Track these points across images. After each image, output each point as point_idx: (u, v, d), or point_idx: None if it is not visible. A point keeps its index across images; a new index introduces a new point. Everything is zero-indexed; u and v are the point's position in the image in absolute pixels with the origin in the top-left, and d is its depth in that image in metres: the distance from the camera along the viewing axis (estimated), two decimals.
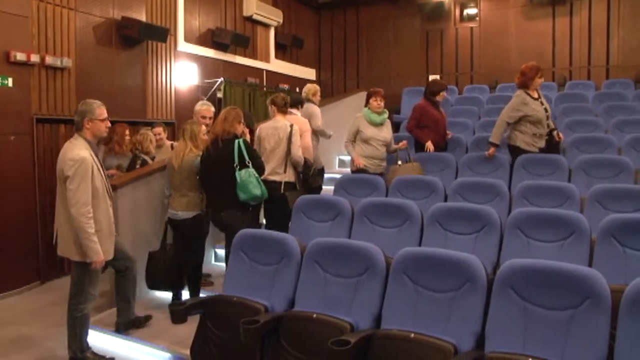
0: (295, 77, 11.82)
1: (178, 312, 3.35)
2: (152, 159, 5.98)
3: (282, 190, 5.20)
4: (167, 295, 5.11)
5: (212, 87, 9.16)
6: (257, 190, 4.50)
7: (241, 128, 4.71)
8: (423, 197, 4.96)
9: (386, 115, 6.05)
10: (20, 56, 5.99)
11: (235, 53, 10.02)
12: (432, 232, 4.06)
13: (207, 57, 9.30)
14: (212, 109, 5.65)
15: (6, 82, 5.94)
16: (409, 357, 2.71)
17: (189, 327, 3.49)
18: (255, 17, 10.44)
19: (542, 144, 5.66)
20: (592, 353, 2.46)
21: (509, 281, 2.73)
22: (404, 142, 6.25)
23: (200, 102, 5.83)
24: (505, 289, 2.73)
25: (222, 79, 9.20)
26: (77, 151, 3.77)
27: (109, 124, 4.13)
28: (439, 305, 2.91)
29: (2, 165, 5.63)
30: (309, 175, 5.43)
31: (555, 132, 5.86)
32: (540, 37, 10.73)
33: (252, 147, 4.84)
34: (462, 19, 11.65)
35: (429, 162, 5.99)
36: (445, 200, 4.93)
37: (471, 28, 11.49)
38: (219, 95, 9.17)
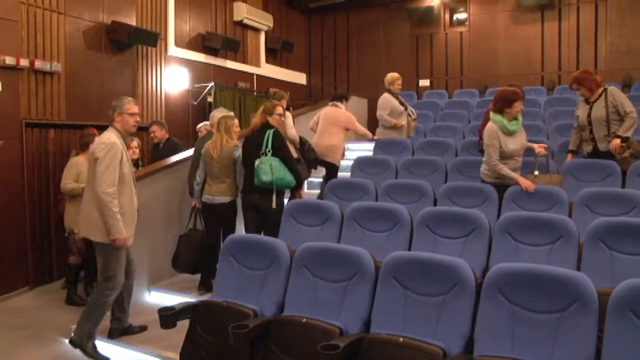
0: (286, 82, 11.83)
1: (167, 317, 3.33)
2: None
3: None
4: (160, 300, 5.12)
5: (203, 92, 9.15)
6: (265, 176, 4.79)
7: (277, 119, 5.12)
8: (412, 201, 4.98)
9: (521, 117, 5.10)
10: (9, 60, 5.95)
11: (225, 57, 10.02)
12: (422, 236, 4.07)
13: (197, 61, 9.29)
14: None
15: None
16: None
17: (182, 333, 3.48)
18: (245, 21, 10.45)
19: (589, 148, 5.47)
20: (579, 355, 2.47)
21: (498, 285, 2.75)
22: (543, 146, 5.31)
23: (218, 109, 6.07)
24: (494, 292, 2.75)
25: (212, 83, 9.19)
26: (109, 136, 4.11)
27: (138, 119, 4.38)
28: (428, 309, 2.92)
29: None
30: (304, 150, 6.21)
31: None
32: (530, 41, 10.80)
33: (281, 137, 5.11)
34: (452, 23, 11.71)
35: (419, 166, 6.00)
36: (435, 204, 4.95)
37: (461, 32, 11.55)
38: (210, 99, 9.16)
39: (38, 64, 6.34)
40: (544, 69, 10.76)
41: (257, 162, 4.84)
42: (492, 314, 2.73)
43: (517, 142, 4.92)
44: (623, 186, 5.01)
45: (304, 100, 12.08)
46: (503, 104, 4.84)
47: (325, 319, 3.04)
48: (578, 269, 3.41)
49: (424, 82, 11.76)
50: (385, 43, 12.22)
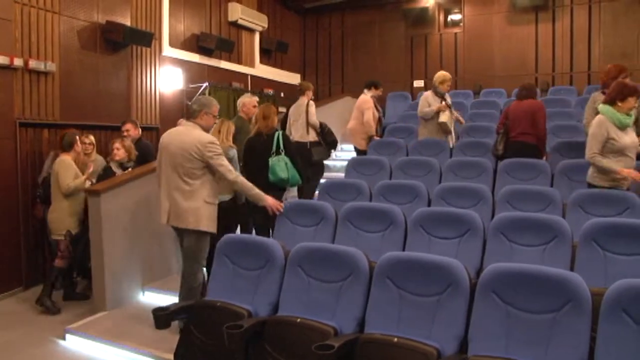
0: (280, 82, 11.83)
1: (161, 317, 3.34)
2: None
3: (308, 147, 6.71)
4: (154, 301, 5.13)
5: (197, 92, 9.13)
6: (283, 173, 5.07)
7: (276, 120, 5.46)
8: (407, 202, 4.98)
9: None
10: (3, 60, 5.92)
11: (220, 58, 10.01)
12: (416, 237, 4.08)
13: (192, 61, 9.27)
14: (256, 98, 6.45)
15: None
16: None
17: (177, 333, 3.48)
18: (240, 22, 10.43)
19: None
20: (573, 355, 2.49)
21: (492, 285, 2.76)
22: None
23: (246, 94, 6.63)
24: (488, 292, 2.76)
25: (207, 83, 9.18)
26: (206, 135, 4.34)
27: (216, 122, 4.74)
28: (422, 309, 2.93)
29: None
30: (324, 133, 6.88)
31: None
32: (524, 42, 10.85)
33: (289, 139, 5.54)
34: (447, 24, 11.76)
35: (413, 167, 6.01)
36: (429, 204, 4.95)
37: (455, 33, 11.58)
38: None
39: (32, 63, 6.31)
40: (538, 70, 10.80)
41: (271, 161, 5.09)
42: (486, 314, 2.74)
43: (630, 137, 4.64)
44: None
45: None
46: (617, 96, 4.60)
47: (320, 319, 3.05)
48: (572, 269, 3.42)
49: (419, 83, 11.77)
50: (380, 43, 12.24)
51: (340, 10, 12.59)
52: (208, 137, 4.31)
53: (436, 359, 2.65)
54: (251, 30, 11.05)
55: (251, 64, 11.11)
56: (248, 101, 6.29)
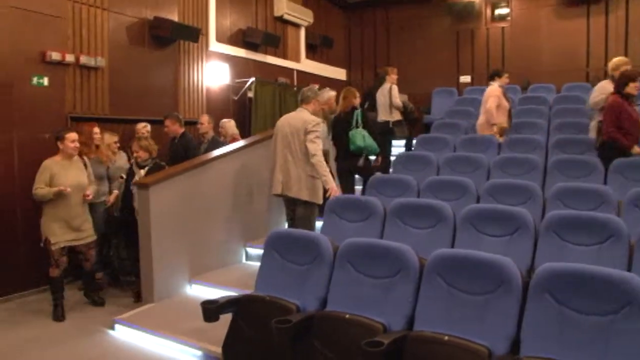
0: (326, 77, 11.82)
1: (210, 310, 3.37)
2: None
3: (391, 125, 7.78)
4: (201, 293, 5.20)
5: (243, 87, 9.21)
6: (361, 142, 6.00)
7: (357, 101, 6.42)
8: (455, 199, 4.91)
9: None
10: (56, 56, 6.09)
11: (265, 53, 10.07)
12: (465, 234, 4.02)
13: (238, 56, 9.36)
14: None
15: (42, 81, 6.05)
16: (442, 359, 2.69)
17: (224, 326, 3.50)
18: (285, 17, 10.47)
19: None
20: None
21: (545, 285, 2.69)
22: None
23: (326, 89, 6.70)
24: (541, 292, 2.69)
25: (253, 78, 9.24)
26: (312, 117, 5.15)
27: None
28: (472, 307, 2.88)
29: (36, 162, 5.72)
30: (407, 112, 7.92)
31: None
32: (574, 36, 10.57)
33: (367, 115, 6.50)
34: (493, 18, 11.54)
35: (461, 163, 5.93)
36: (478, 201, 4.88)
37: (502, 28, 11.38)
38: (250, 95, 9.22)
39: (83, 59, 6.47)
40: (589, 65, 10.51)
41: (351, 133, 6.05)
42: (540, 315, 2.67)
43: None
44: None
45: None
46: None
47: (368, 315, 3.03)
48: (629, 270, 3.31)
49: (465, 78, 11.61)
50: (425, 39, 12.10)
51: (384, 5, 12.51)
52: (314, 118, 5.13)
53: (487, 359, 2.61)
54: (296, 25, 11.08)
55: (297, 59, 11.14)
56: (333, 95, 6.59)
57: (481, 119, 7.16)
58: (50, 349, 4.46)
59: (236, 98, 9.22)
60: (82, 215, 5.24)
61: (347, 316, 3.03)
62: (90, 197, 5.25)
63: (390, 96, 7.88)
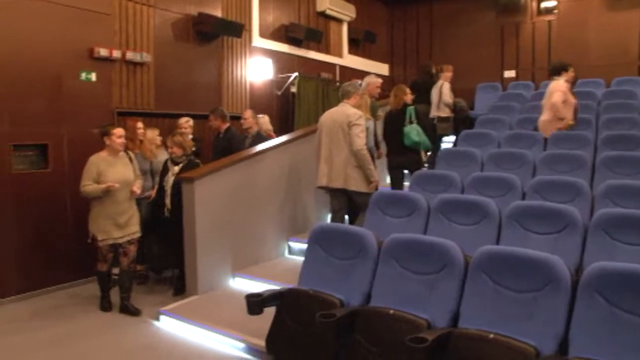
0: (368, 73, 11.71)
1: (255, 303, 3.41)
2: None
3: (435, 121, 8.11)
4: (244, 286, 5.26)
5: (286, 82, 9.24)
6: (416, 137, 6.16)
7: (408, 97, 6.58)
8: (499, 195, 4.83)
9: None
10: (103, 52, 6.24)
11: (308, 48, 10.08)
12: (511, 231, 3.96)
13: (281, 52, 9.39)
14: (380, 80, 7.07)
15: (90, 77, 6.20)
16: (487, 357, 2.67)
17: (267, 319, 3.54)
18: (328, 12, 10.46)
19: None
20: None
21: (595, 284, 2.64)
22: None
23: (371, 75, 7.16)
24: (591, 292, 2.64)
25: (296, 73, 9.27)
26: (355, 110, 5.37)
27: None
28: (519, 306, 2.84)
29: (85, 156, 5.87)
30: (457, 110, 8.30)
31: None
32: (625, 30, 10.25)
33: (419, 112, 6.59)
34: (540, 11, 11.28)
35: (506, 159, 5.84)
36: (523, 198, 4.80)
37: (549, 21, 11.12)
38: (293, 90, 9.25)
39: (129, 55, 6.61)
40: None
41: (406, 129, 6.21)
42: (589, 315, 2.62)
43: None
44: None
45: (386, 91, 11.98)
46: None
47: (412, 311, 3.02)
48: None
49: (510, 73, 11.40)
50: (469, 33, 11.90)
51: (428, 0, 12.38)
52: (356, 112, 5.34)
53: (534, 358, 2.57)
54: (339, 21, 11.06)
55: (339, 54, 11.13)
56: (373, 81, 6.84)
57: (545, 115, 6.69)
58: (97, 339, 4.58)
59: (279, 93, 9.27)
60: (129, 211, 5.16)
61: (391, 312, 3.02)
62: (138, 192, 5.23)
63: (440, 93, 8.21)
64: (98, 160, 5.08)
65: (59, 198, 5.92)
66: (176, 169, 5.51)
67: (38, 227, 5.74)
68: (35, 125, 5.71)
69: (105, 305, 5.20)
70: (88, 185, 4.98)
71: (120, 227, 5.07)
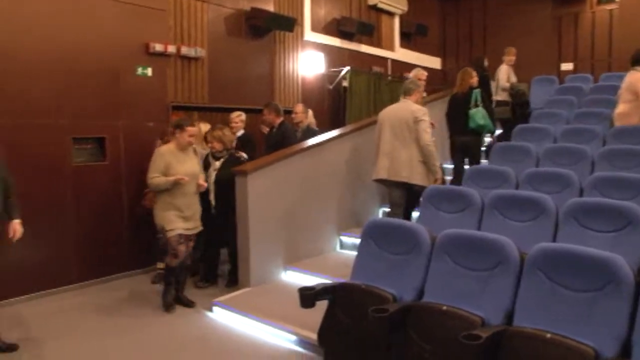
0: (420, 66, 11.57)
1: (307, 296, 3.43)
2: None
3: (494, 105, 7.89)
4: (295, 280, 5.32)
5: (338, 76, 9.24)
6: (481, 120, 6.43)
7: (474, 81, 6.73)
8: (556, 191, 4.70)
9: None
10: (159, 47, 6.38)
11: (360, 42, 10.05)
12: (568, 228, 3.84)
13: (332, 46, 9.40)
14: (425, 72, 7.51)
15: (146, 71, 6.35)
16: (543, 358, 2.61)
17: (318, 312, 3.55)
18: (379, 5, 10.41)
19: None
20: None
21: None
22: None
23: (417, 69, 7.55)
24: None
25: (347, 67, 9.26)
26: (418, 106, 5.54)
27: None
28: (577, 305, 2.76)
29: (140, 149, 6.01)
30: (514, 94, 8.50)
31: None
32: None
33: (490, 92, 7.29)
34: (600, 1, 10.91)
35: (563, 155, 5.68)
36: (581, 195, 4.66)
37: (610, 11, 10.74)
38: (345, 84, 9.25)
39: (184, 50, 6.74)
40: None
41: (471, 112, 6.45)
42: None
43: None
44: None
45: (438, 85, 11.83)
46: None
47: (466, 307, 2.98)
48: None
49: (567, 66, 11.08)
50: (524, 24, 11.61)
51: None
52: (421, 108, 5.53)
53: None
54: (391, 14, 10.98)
55: (391, 48, 11.05)
56: (418, 74, 7.31)
57: (622, 107, 6.22)
58: (152, 328, 4.71)
59: (331, 87, 9.27)
60: (195, 204, 5.11)
61: (445, 308, 2.99)
62: (205, 185, 5.18)
63: (498, 78, 8.53)
64: (166, 153, 5.01)
65: (116, 190, 6.10)
66: (217, 164, 5.57)
67: (95, 219, 5.93)
68: (94, 119, 5.88)
69: (169, 303, 5.07)
70: (156, 177, 4.92)
71: (186, 219, 5.01)
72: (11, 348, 4.19)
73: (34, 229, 5.00)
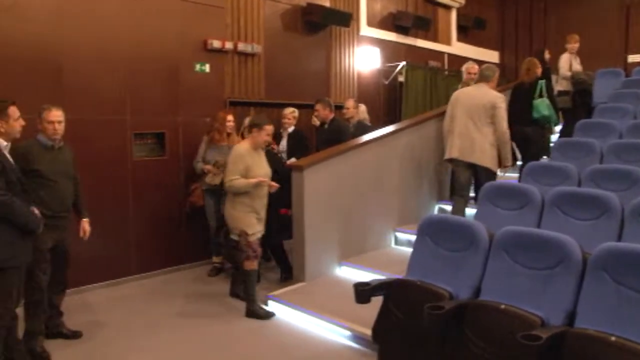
0: (477, 60, 11.35)
1: (362, 292, 3.41)
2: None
3: (556, 94, 7.68)
4: (349, 275, 5.30)
5: (394, 71, 9.16)
6: (545, 111, 6.41)
7: (539, 71, 6.70)
8: (621, 189, 4.51)
9: None
10: (216, 44, 6.49)
11: (416, 36, 9.93)
12: (635, 228, 3.69)
13: (388, 40, 9.32)
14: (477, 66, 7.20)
15: (204, 68, 6.45)
16: None
17: (372, 308, 3.53)
18: None
19: None
20: None
21: None
22: None
23: (468, 62, 7.52)
24: None
25: (403, 62, 9.17)
26: (496, 92, 5.71)
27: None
28: None
29: (198, 145, 6.10)
30: (575, 83, 8.33)
31: None
32: None
33: (551, 86, 7.03)
34: None
35: (629, 151, 5.46)
36: None
37: None
38: (401, 79, 9.16)
39: (241, 46, 6.82)
40: None
41: (535, 102, 6.43)
42: None
43: None
44: None
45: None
46: None
47: (524, 307, 2.89)
48: None
49: (634, 58, 10.63)
50: (588, 15, 11.20)
51: None
52: (499, 94, 5.69)
53: None
54: (447, 7, 10.81)
55: (447, 42, 10.88)
56: (467, 67, 7.31)
57: None
58: (207, 320, 4.81)
59: (386, 82, 9.20)
60: (266, 206, 4.98)
61: (503, 307, 2.91)
62: (277, 187, 4.98)
63: (559, 66, 8.44)
64: (245, 154, 4.82)
65: (174, 184, 6.24)
66: None
67: (155, 212, 6.08)
68: (154, 114, 6.03)
69: (259, 310, 4.88)
70: (236, 180, 4.72)
71: (260, 221, 4.91)
72: (75, 335, 4.36)
73: (101, 222, 5.18)
